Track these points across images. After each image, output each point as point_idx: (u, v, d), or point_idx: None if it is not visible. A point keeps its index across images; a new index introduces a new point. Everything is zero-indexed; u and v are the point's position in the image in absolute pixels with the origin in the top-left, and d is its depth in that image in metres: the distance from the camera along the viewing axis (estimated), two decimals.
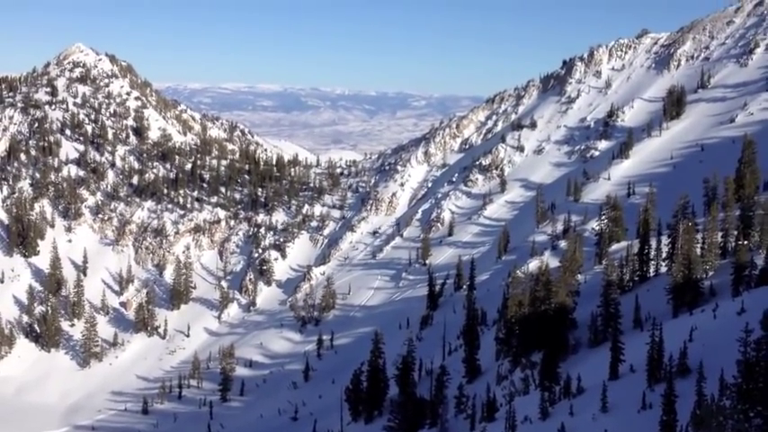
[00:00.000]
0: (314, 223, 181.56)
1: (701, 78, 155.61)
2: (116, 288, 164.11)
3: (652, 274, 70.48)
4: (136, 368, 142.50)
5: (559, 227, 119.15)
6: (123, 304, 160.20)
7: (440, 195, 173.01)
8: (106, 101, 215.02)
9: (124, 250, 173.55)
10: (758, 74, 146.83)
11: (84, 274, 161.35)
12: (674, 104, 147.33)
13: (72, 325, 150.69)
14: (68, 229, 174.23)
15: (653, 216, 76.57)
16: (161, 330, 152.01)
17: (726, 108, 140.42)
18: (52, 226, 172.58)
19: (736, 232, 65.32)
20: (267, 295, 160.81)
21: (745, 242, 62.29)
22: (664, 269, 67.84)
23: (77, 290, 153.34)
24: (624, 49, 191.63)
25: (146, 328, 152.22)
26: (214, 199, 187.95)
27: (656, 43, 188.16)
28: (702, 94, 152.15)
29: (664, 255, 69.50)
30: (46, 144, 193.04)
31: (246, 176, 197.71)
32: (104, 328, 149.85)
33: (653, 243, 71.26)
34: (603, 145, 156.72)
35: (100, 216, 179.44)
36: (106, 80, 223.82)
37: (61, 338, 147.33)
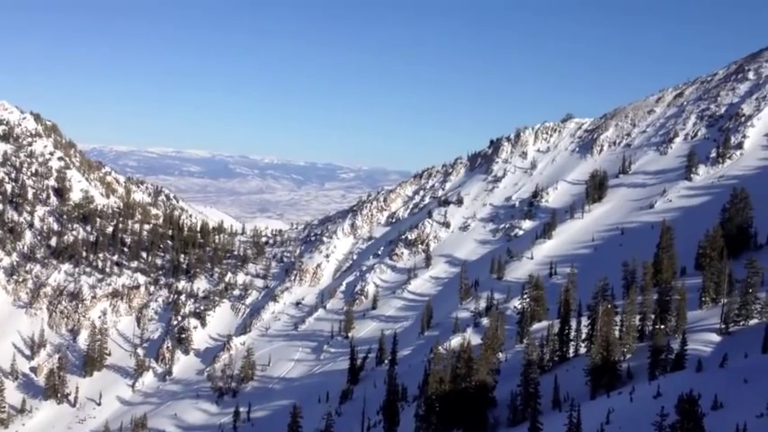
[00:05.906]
0: (236, 292, 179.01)
1: (622, 164, 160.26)
2: (27, 352, 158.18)
3: (572, 355, 71.18)
4: None
5: (482, 304, 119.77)
6: (33, 369, 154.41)
7: (365, 268, 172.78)
8: (28, 160, 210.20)
9: (38, 314, 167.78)
10: (677, 162, 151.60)
11: None
12: (596, 188, 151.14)
13: None
14: None
15: (574, 297, 77.79)
16: (72, 398, 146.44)
17: (646, 194, 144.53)
18: None
19: (653, 316, 66.64)
20: (184, 364, 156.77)
21: (662, 326, 63.51)
22: (583, 350, 68.60)
23: None
24: (550, 132, 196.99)
25: (56, 395, 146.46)
26: (134, 264, 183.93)
27: (580, 128, 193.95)
28: (624, 179, 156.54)
29: (583, 336, 70.36)
30: None
31: (169, 242, 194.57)
32: (12, 394, 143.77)
33: (573, 324, 72.19)
34: (527, 224, 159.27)
35: (14, 277, 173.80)
36: (29, 139, 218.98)
37: None
